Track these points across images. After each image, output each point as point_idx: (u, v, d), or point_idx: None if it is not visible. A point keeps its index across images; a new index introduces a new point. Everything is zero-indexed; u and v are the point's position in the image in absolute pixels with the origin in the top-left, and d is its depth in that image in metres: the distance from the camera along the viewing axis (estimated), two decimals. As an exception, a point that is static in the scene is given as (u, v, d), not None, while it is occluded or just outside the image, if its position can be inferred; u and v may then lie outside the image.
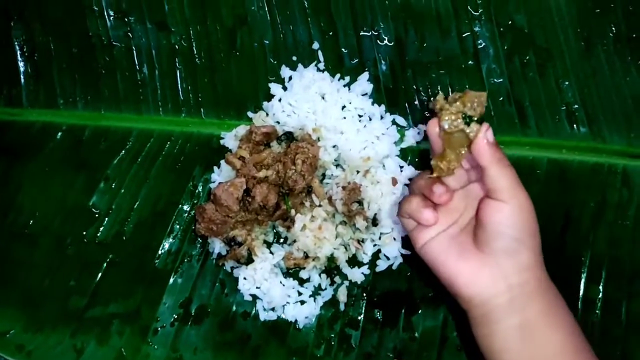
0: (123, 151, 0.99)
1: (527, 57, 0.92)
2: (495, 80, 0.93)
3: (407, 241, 0.83)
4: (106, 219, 0.95)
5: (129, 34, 1.01)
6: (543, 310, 0.68)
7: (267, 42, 0.98)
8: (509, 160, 0.68)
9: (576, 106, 0.90)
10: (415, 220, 0.72)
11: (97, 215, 0.96)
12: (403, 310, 0.87)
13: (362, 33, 0.96)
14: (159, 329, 0.89)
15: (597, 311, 0.83)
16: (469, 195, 0.73)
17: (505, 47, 0.92)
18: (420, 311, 0.87)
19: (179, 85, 1.00)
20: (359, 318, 0.88)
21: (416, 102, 0.96)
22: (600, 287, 0.84)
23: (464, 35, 0.93)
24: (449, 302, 0.84)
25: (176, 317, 0.90)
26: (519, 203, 0.68)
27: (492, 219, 0.68)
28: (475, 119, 0.66)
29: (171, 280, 0.91)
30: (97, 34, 1.01)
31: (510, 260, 0.68)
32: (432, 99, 0.68)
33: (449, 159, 0.68)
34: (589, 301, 0.84)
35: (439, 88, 0.95)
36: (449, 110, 0.67)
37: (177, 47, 1.00)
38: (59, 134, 1.02)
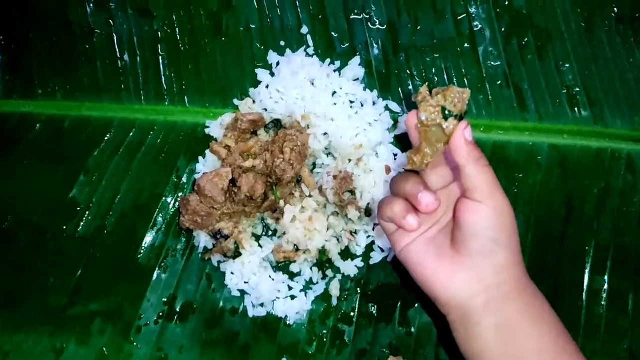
0: (104, 142, 0.98)
1: (526, 39, 0.91)
2: (492, 63, 0.92)
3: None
4: (87, 212, 0.94)
5: (110, 20, 1.00)
6: (521, 309, 0.67)
7: (253, 26, 0.97)
8: (487, 160, 0.67)
9: (577, 89, 0.90)
10: (397, 225, 0.71)
11: (77, 209, 0.94)
12: (399, 305, 0.86)
13: (353, 16, 0.95)
14: (143, 327, 0.87)
15: (602, 303, 0.82)
16: (450, 194, 0.72)
17: (503, 29, 0.91)
18: (416, 305, 0.85)
19: (162, 72, 0.99)
20: (353, 313, 0.87)
21: (410, 87, 0.94)
22: (606, 278, 0.83)
23: (459, 18, 0.92)
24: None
25: (160, 314, 0.88)
26: (496, 204, 0.66)
27: (468, 219, 0.66)
28: (455, 115, 0.65)
29: (155, 276, 0.90)
30: (77, 21, 1.00)
31: (486, 261, 0.67)
32: (419, 90, 0.67)
33: (423, 153, 0.66)
34: (594, 293, 0.82)
35: (433, 72, 0.94)
36: (429, 102, 0.65)
37: (159, 33, 0.99)
38: (38, 125, 1.01)
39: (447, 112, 0.65)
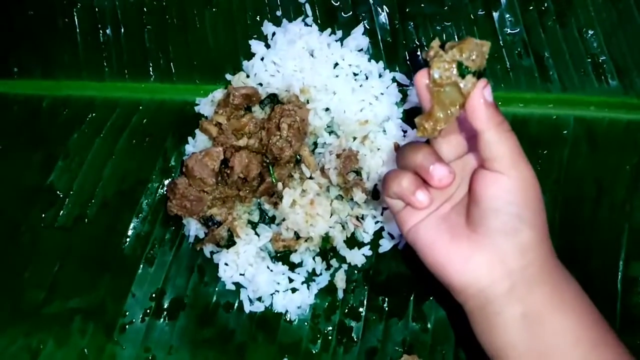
0: (84, 123, 0.94)
1: (545, 5, 0.88)
2: (509, 30, 0.89)
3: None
4: (66, 200, 0.91)
5: None
6: (551, 295, 0.62)
7: None
8: (509, 125, 0.62)
9: (603, 57, 0.86)
10: (405, 202, 0.66)
11: (55, 197, 0.91)
12: (412, 297, 0.83)
13: None
14: (127, 325, 0.84)
15: None
16: (465, 166, 0.67)
17: None
18: (432, 298, 0.82)
19: (148, 46, 0.96)
20: (361, 307, 0.84)
21: (420, 58, 0.91)
22: None
23: None
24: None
25: (147, 311, 0.85)
26: (519, 175, 0.61)
27: (488, 193, 0.61)
28: (473, 71, 0.59)
29: (140, 268, 0.87)
30: None
31: (508, 241, 0.61)
32: (425, 47, 0.59)
33: (436, 118, 0.61)
34: (630, 280, 0.79)
35: (444, 40, 0.88)
36: (443, 57, 0.60)
37: (145, 3, 0.96)
38: (14, 106, 0.98)
39: (463, 68, 0.59)
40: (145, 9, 0.95)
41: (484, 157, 0.61)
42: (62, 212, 0.89)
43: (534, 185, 0.62)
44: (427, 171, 0.63)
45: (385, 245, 0.84)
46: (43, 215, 0.90)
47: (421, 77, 0.62)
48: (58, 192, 0.91)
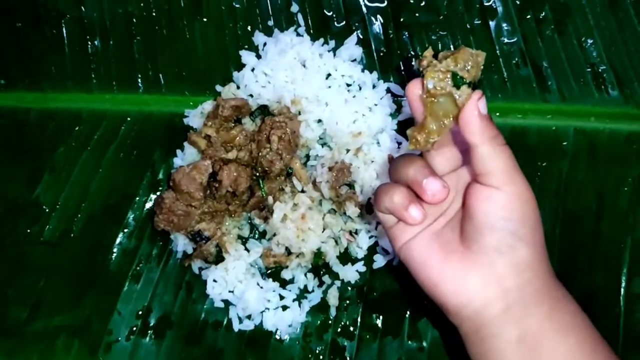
0: (71, 136, 0.93)
1: (543, 14, 0.87)
2: (506, 39, 0.88)
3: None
4: (52, 215, 0.89)
5: (80, 2, 0.96)
6: (549, 316, 0.59)
7: (237, 5, 0.93)
8: (504, 138, 0.60)
9: (603, 67, 0.85)
10: (397, 217, 0.64)
11: (42, 211, 0.90)
12: (407, 315, 0.81)
13: None
14: (113, 343, 0.83)
15: None
16: (460, 180, 0.65)
17: (517, 2, 0.87)
18: (428, 315, 0.81)
19: (136, 58, 0.95)
20: (354, 326, 0.82)
21: (415, 68, 0.88)
22: None
23: None
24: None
25: (133, 329, 0.84)
26: (515, 190, 0.59)
27: (482, 208, 0.59)
28: (467, 81, 0.58)
29: (126, 285, 0.86)
30: (43, 3, 0.96)
31: (504, 259, 0.59)
32: (420, 57, 0.61)
33: (429, 130, 0.59)
34: (633, 297, 0.77)
35: (440, 50, 0.86)
36: (437, 67, 0.58)
37: (134, 14, 0.95)
38: (1, 119, 0.97)
39: (458, 79, 0.57)
40: (134, 20, 0.94)
41: (478, 171, 0.60)
42: (47, 226, 0.88)
43: (531, 201, 0.60)
44: (419, 185, 0.61)
45: (380, 261, 0.83)
46: (28, 230, 0.89)
47: (414, 88, 0.60)
48: (44, 206, 0.90)
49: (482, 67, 0.59)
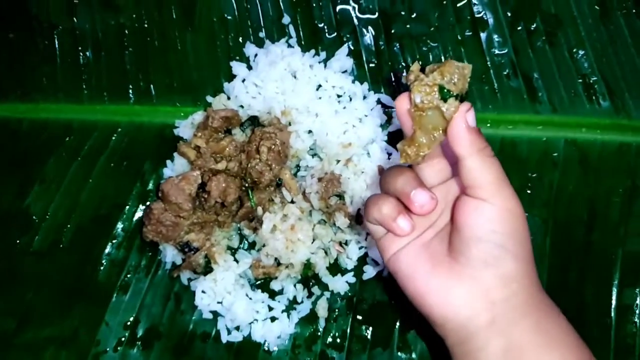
0: (62, 147, 0.93)
1: (534, 25, 0.87)
2: (497, 51, 0.88)
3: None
4: (42, 225, 0.89)
5: (72, 14, 0.96)
6: (535, 328, 0.59)
7: (229, 17, 0.93)
8: (492, 151, 0.60)
9: (594, 78, 0.86)
10: (386, 228, 0.64)
11: (31, 222, 0.89)
12: (397, 326, 0.81)
13: (340, 7, 0.91)
14: (100, 354, 0.82)
15: (635, 320, 0.76)
16: (449, 192, 0.65)
17: (508, 14, 0.88)
18: (417, 327, 0.80)
19: (127, 68, 0.95)
20: (343, 337, 0.82)
21: (403, 81, 0.90)
22: (637, 291, 0.77)
23: (459, 5, 0.88)
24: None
25: (121, 340, 0.83)
26: (503, 203, 0.59)
27: (469, 220, 0.59)
28: (455, 94, 0.58)
29: (115, 296, 0.85)
30: (36, 15, 0.96)
31: (491, 271, 0.59)
32: (405, 71, 0.61)
33: (418, 144, 0.60)
34: (624, 308, 0.77)
35: (431, 62, 0.86)
36: (424, 81, 0.59)
37: (125, 26, 0.95)
38: None
39: (445, 92, 0.57)
40: (126, 31, 0.94)
41: (466, 183, 0.59)
42: (37, 237, 0.88)
43: (519, 214, 0.59)
44: (408, 197, 0.61)
45: (370, 272, 0.82)
46: (18, 240, 0.88)
47: (402, 102, 0.61)
48: (34, 217, 0.89)
49: (469, 79, 0.59)
